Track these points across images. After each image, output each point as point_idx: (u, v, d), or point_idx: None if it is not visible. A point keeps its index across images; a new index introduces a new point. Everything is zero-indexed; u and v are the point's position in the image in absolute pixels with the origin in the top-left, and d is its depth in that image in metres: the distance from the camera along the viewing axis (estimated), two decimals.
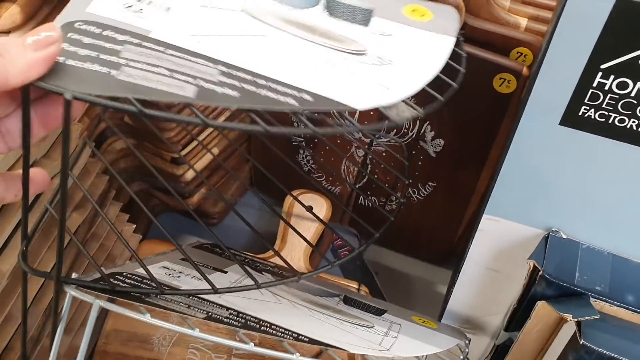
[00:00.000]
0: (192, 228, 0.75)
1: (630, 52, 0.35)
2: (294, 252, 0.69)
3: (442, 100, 0.37)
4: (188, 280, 0.42)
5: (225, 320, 0.36)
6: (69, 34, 0.31)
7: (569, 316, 0.40)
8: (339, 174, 0.74)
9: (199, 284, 0.42)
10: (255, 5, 0.43)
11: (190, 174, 0.69)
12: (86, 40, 0.31)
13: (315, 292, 0.51)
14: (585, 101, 0.38)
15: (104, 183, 0.58)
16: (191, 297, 0.38)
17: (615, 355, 0.39)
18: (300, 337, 0.37)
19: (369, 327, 0.45)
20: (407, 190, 0.61)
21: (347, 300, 0.51)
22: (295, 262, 0.68)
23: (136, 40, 0.33)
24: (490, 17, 0.60)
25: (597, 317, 0.40)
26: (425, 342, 0.46)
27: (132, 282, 0.39)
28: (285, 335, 0.37)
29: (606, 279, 0.42)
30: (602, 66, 0.36)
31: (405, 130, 0.65)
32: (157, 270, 0.43)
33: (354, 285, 0.68)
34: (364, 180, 0.73)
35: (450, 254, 0.74)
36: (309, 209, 0.70)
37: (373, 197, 0.74)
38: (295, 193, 0.71)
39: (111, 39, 0.32)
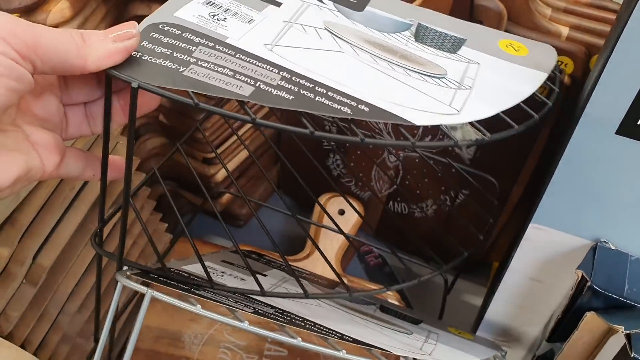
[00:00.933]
0: (220, 228, 0.75)
1: None
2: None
3: (517, 129, 0.37)
4: (231, 279, 0.42)
5: (272, 316, 0.36)
6: (152, 34, 0.34)
7: (621, 328, 0.39)
8: (369, 179, 0.74)
9: (242, 284, 0.42)
10: (339, 26, 0.43)
11: (221, 175, 0.69)
12: (165, 39, 0.34)
13: (353, 299, 0.51)
14: None
15: (139, 179, 0.57)
16: (237, 294, 0.38)
17: None
18: (344, 337, 0.37)
19: (407, 334, 0.45)
20: (490, 228, 0.57)
21: (384, 309, 0.51)
22: (326, 266, 0.67)
23: (211, 44, 0.35)
24: (531, 25, 0.60)
25: None
26: (464, 350, 0.45)
27: (180, 277, 0.39)
28: (329, 334, 0.36)
29: None
30: None
31: (441, 137, 0.65)
32: (202, 269, 0.42)
33: (389, 294, 0.68)
34: (395, 186, 0.73)
35: (479, 264, 0.73)
36: (341, 212, 0.70)
37: (403, 204, 0.74)
38: (326, 197, 0.71)
39: (188, 40, 0.35)
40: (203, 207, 0.75)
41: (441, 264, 0.50)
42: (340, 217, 0.69)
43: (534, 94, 0.40)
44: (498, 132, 0.37)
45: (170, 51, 0.33)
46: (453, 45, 0.45)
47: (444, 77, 0.40)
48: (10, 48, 0.28)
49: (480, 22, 0.59)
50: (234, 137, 0.68)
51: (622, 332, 0.39)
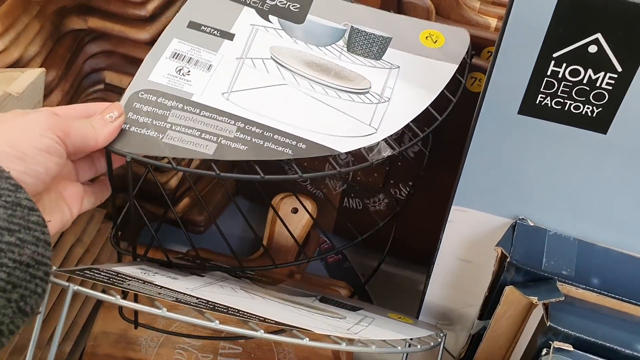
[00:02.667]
0: (180, 236, 0.76)
1: (579, 40, 0.37)
2: (280, 254, 0.70)
3: (421, 136, 0.47)
4: (163, 278, 0.43)
5: (194, 304, 0.37)
6: (134, 104, 0.44)
7: (534, 298, 0.41)
8: (322, 178, 0.75)
9: (172, 281, 0.43)
10: (283, 50, 0.51)
11: (174, 182, 0.70)
12: (145, 108, 0.43)
13: (291, 293, 0.52)
14: (541, 90, 0.39)
15: None
16: (162, 289, 0.40)
17: (581, 336, 0.40)
18: (266, 320, 0.38)
19: (339, 318, 0.46)
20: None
21: (323, 299, 0.52)
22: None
23: (180, 105, 0.44)
24: (460, 19, 0.62)
25: (563, 299, 0.41)
26: (397, 331, 0.46)
27: (108, 274, 0.40)
28: (251, 318, 0.38)
29: (572, 264, 0.43)
30: (555, 55, 0.38)
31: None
32: (134, 270, 0.44)
33: (340, 284, 0.69)
34: (347, 182, 0.74)
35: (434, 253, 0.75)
36: (295, 210, 0.71)
37: (357, 199, 0.75)
38: (279, 197, 0.72)
39: (162, 105, 0.44)
40: (163, 216, 0.76)
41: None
42: (293, 215, 0.71)
43: (442, 91, 0.48)
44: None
45: (150, 119, 0.43)
46: (379, 49, 0.52)
47: (368, 92, 0.49)
48: (55, 135, 0.38)
49: None
50: None
51: (536, 302, 0.41)
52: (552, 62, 0.38)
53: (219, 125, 0.43)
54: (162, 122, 0.43)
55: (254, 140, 0.42)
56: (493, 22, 0.62)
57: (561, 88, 0.39)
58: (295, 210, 0.71)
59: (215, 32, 0.50)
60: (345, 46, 0.52)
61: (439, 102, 0.50)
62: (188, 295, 0.40)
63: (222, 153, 0.41)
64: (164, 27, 0.56)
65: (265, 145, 0.42)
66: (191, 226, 0.78)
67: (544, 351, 0.41)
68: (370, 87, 0.49)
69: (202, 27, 0.50)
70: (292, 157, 0.42)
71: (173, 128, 0.42)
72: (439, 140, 0.65)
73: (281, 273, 0.65)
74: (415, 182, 0.65)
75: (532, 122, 0.41)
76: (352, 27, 0.53)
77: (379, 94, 0.49)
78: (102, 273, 0.39)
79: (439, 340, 0.46)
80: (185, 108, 0.44)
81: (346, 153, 0.66)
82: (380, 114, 0.47)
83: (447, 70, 0.50)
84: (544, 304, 0.41)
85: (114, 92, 0.62)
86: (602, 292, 0.42)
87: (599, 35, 0.36)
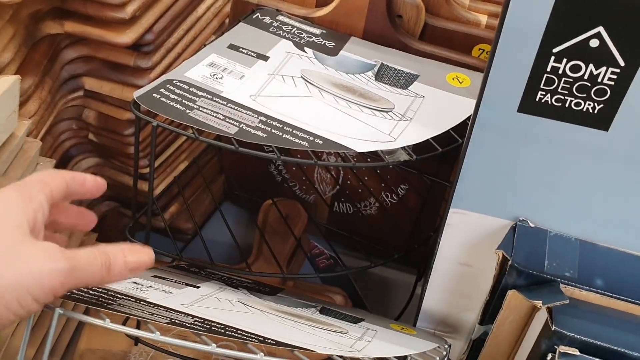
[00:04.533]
0: (167, 245, 0.74)
1: (580, 35, 0.35)
2: (271, 262, 0.68)
3: (440, 151, 0.48)
4: (156, 294, 0.41)
5: (189, 325, 0.36)
6: (167, 85, 0.48)
7: (538, 303, 0.40)
8: (312, 182, 0.73)
9: (166, 297, 0.41)
10: (313, 72, 0.54)
11: (159, 190, 0.68)
12: (177, 91, 0.47)
13: (290, 304, 0.50)
14: (541, 86, 0.38)
15: None
16: (155, 307, 0.38)
17: (586, 339, 0.39)
18: (266, 340, 0.37)
19: (342, 333, 0.45)
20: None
21: (324, 310, 0.51)
22: (273, 272, 0.67)
23: (209, 96, 0.48)
24: (450, 16, 0.61)
25: (567, 302, 0.40)
26: (400, 345, 0.45)
27: (97, 293, 0.38)
28: (250, 339, 0.36)
29: (575, 265, 0.42)
30: (555, 50, 0.37)
31: None
32: (126, 285, 0.42)
33: (334, 290, 0.68)
34: (337, 187, 0.73)
35: (429, 255, 0.73)
36: (285, 218, 0.69)
37: (347, 203, 0.74)
38: (269, 203, 0.71)
39: (193, 92, 0.48)
40: (149, 225, 0.74)
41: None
42: (284, 221, 0.69)
43: (464, 120, 0.49)
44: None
45: (180, 98, 0.46)
46: (406, 81, 0.55)
47: (391, 111, 0.51)
48: (53, 297, 0.31)
49: (399, 17, 0.59)
50: (172, 149, 0.68)
51: (540, 306, 0.40)
52: (552, 57, 0.37)
53: (243, 116, 0.46)
54: (191, 103, 0.46)
55: (273, 131, 0.45)
56: (483, 19, 0.61)
57: (561, 84, 0.38)
58: (285, 217, 0.69)
59: (252, 53, 0.54)
60: (374, 76, 0.55)
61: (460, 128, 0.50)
62: (183, 314, 0.38)
63: (243, 135, 0.44)
64: (145, 30, 0.54)
65: (284, 136, 0.45)
66: (178, 234, 0.76)
67: (549, 356, 0.40)
68: (393, 108, 0.51)
69: (241, 49, 0.55)
70: (307, 148, 0.44)
71: (200, 109, 0.45)
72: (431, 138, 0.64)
73: (273, 280, 0.63)
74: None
75: (532, 120, 0.39)
76: (382, 63, 0.57)
77: (402, 114, 0.50)
78: (90, 292, 0.37)
79: (444, 353, 0.45)
80: (213, 99, 0.47)
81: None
82: (401, 128, 0.49)
83: (471, 105, 0.50)
84: (547, 307, 0.40)
85: (95, 99, 0.60)
86: (607, 293, 0.41)
87: (600, 29, 0.35)
